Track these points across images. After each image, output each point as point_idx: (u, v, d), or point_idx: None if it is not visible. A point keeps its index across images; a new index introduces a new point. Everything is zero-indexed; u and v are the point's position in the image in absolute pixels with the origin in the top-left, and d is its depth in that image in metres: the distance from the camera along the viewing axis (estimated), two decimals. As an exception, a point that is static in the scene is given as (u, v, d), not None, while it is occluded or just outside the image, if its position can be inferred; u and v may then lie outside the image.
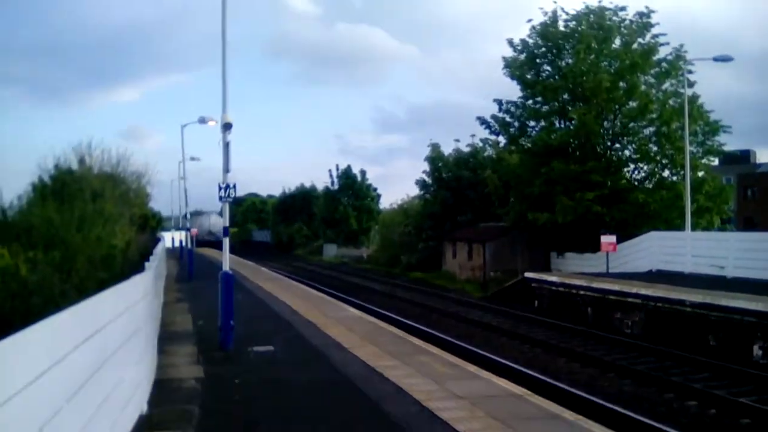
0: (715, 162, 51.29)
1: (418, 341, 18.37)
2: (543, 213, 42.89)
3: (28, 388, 4.16)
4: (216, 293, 17.79)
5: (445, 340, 23.44)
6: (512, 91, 48.84)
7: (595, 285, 30.07)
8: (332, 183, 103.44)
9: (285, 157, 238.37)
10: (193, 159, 59.23)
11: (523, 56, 47.77)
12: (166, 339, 18.17)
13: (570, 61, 45.76)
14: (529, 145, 48.11)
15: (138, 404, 10.25)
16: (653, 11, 44.81)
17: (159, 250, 32.64)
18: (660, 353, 21.96)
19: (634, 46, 44.77)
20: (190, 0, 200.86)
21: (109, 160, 41.13)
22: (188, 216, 56.29)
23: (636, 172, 46.84)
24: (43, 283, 19.26)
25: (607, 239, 34.99)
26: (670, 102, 43.96)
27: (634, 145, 45.96)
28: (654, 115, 43.63)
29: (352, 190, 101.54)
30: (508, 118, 49.16)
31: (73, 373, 5.52)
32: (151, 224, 62.39)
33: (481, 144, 58.83)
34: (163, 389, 12.68)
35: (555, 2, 48.23)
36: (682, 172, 40.09)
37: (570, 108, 45.56)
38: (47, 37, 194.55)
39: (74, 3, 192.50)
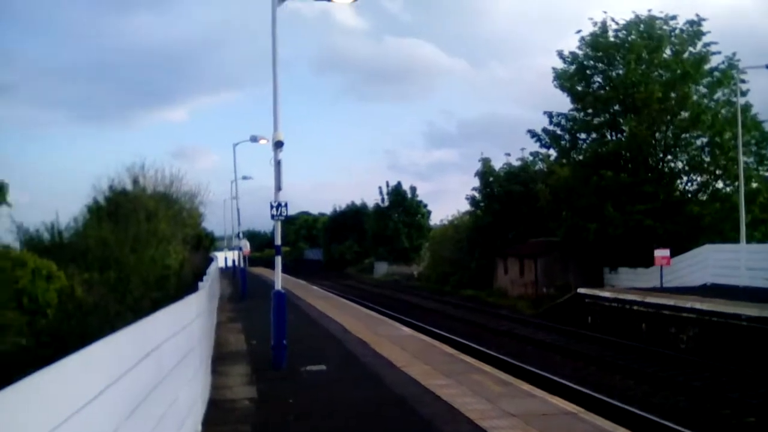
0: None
1: (471, 359, 18.29)
2: (593, 224, 42.51)
3: (86, 408, 4.21)
4: (268, 312, 17.89)
5: (497, 358, 23.30)
6: (562, 103, 48.70)
7: (648, 300, 29.69)
8: (382, 200, 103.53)
9: (335, 174, 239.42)
10: (245, 178, 59.91)
11: (573, 68, 47.61)
12: (220, 359, 18.31)
13: (620, 71, 45.49)
14: (580, 157, 47.83)
15: (192, 424, 10.31)
16: (704, 19, 44.45)
17: (212, 269, 32.89)
18: (716, 369, 21.60)
19: (685, 55, 44.37)
20: (238, 17, 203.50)
21: (163, 180, 41.72)
22: (241, 235, 56.68)
23: (689, 183, 46.29)
24: (99, 304, 19.54)
25: (661, 253, 34.59)
26: (723, 112, 43.44)
27: (686, 156, 45.45)
28: (706, 126, 43.10)
29: (402, 206, 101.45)
30: (558, 131, 49.00)
31: (129, 392, 5.58)
32: (204, 244, 63.03)
33: (531, 158, 58.58)
34: (217, 409, 12.77)
35: (605, 12, 48.11)
36: (736, 183, 39.53)
37: (621, 119, 45.26)
38: (94, 58, 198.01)
39: (119, 23, 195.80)
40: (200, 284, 14.69)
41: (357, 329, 24.74)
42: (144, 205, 35.66)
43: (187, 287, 22.00)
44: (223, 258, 76.22)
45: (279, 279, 18.03)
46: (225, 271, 66.82)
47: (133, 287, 23.85)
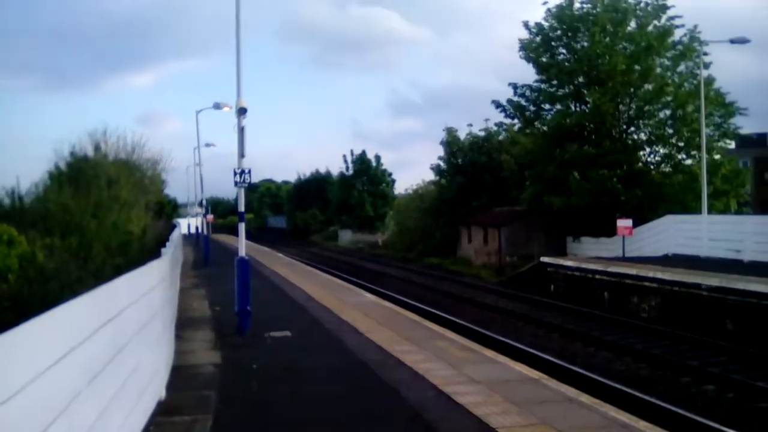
0: (732, 145, 50.97)
1: (435, 326, 18.37)
2: (559, 196, 42.76)
3: (46, 373, 4.16)
4: (232, 279, 17.85)
5: (461, 325, 23.43)
6: (528, 74, 48.86)
7: (611, 269, 29.97)
8: (347, 168, 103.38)
9: (300, 142, 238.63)
10: (208, 145, 59.60)
11: (538, 39, 47.57)
12: (184, 325, 18.24)
13: (585, 44, 45.54)
14: (545, 128, 47.97)
15: (156, 390, 10.28)
16: (669, -7, 44.53)
17: (175, 236, 32.73)
18: (676, 337, 21.88)
19: (650, 28, 44.49)
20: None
21: (125, 147, 41.40)
22: (204, 202, 56.40)
23: (652, 155, 46.63)
24: (60, 270, 19.36)
25: (623, 223, 34.89)
26: (686, 85, 43.76)
27: (649, 128, 45.77)
28: (669, 98, 43.40)
29: (366, 175, 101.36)
30: (523, 102, 49.02)
31: (91, 358, 5.53)
32: (167, 211, 62.66)
33: (496, 128, 58.70)
34: (181, 375, 12.72)
35: (571, -16, 47.73)
36: (698, 155, 39.91)
37: (585, 91, 45.40)
38: (60, 24, 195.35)
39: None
40: (163, 250, 14.59)
41: (321, 296, 24.75)
42: (106, 171, 35.34)
43: (150, 253, 21.86)
44: (186, 225, 75.88)
45: (243, 246, 17.98)
46: (189, 238, 66.58)
47: (94, 253, 23.66)
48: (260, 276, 32.15)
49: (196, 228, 67.95)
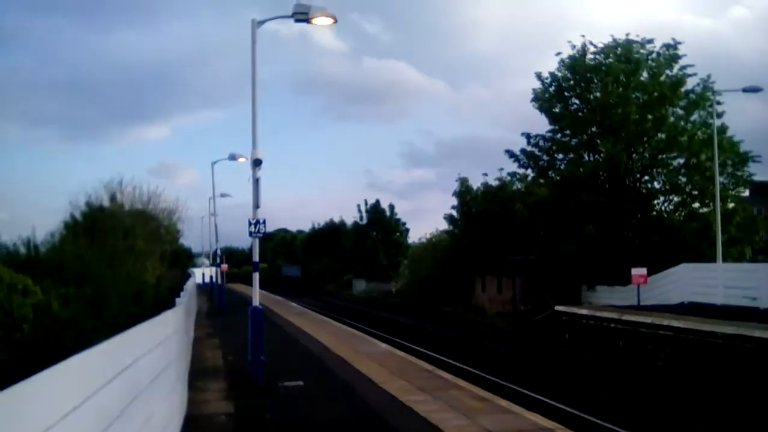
0: (746, 193, 50.89)
1: (449, 375, 18.31)
2: (572, 245, 42.69)
3: (62, 422, 4.20)
4: (246, 328, 17.86)
5: (475, 374, 23.31)
6: (540, 124, 49.06)
7: (626, 317, 29.81)
8: (361, 218, 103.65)
9: (314, 192, 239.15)
10: (223, 195, 59.50)
11: (551, 89, 47.89)
12: (197, 374, 18.24)
13: (598, 94, 45.79)
14: (558, 177, 48.06)
15: (169, 440, 10.27)
16: (680, 43, 44.95)
17: (189, 285, 32.77)
18: (688, 385, 21.71)
19: (662, 78, 44.75)
20: (217, 37, 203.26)
21: (141, 197, 41.67)
22: (218, 251, 56.53)
23: (666, 203, 46.61)
24: (75, 319, 19.43)
25: (638, 271, 34.77)
26: (699, 133, 43.84)
27: (663, 177, 45.81)
28: (683, 147, 43.48)
29: (381, 224, 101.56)
30: (536, 152, 49.24)
31: (105, 407, 5.56)
32: (182, 260, 62.80)
33: (509, 178, 58.76)
34: (194, 424, 12.72)
35: (583, 36, 48.31)
36: (712, 204, 39.87)
37: (598, 141, 45.56)
38: (74, 76, 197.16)
39: (100, 40, 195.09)
40: (177, 300, 14.65)
41: (335, 345, 24.70)
42: (121, 221, 35.57)
43: (164, 303, 21.93)
44: (201, 274, 75.95)
45: (257, 295, 18.02)
46: (203, 287, 66.58)
47: (110, 303, 23.74)
48: (274, 325, 32.12)
49: (211, 277, 67.98)
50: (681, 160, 44.80)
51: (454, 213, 64.10)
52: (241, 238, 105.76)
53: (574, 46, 47.28)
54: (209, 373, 19.11)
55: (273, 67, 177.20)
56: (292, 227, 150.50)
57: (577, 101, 47.79)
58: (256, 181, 17.59)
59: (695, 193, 44.68)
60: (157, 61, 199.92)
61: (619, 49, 45.87)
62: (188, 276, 48.25)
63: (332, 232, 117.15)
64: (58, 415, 4.21)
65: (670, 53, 45.05)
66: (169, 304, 14.89)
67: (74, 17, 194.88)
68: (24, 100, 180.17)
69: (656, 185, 46.47)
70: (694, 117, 45.10)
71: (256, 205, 17.62)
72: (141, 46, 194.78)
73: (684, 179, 44.97)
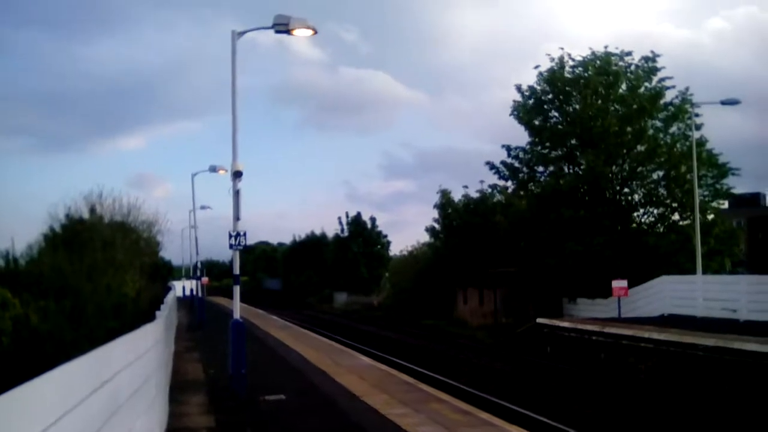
0: (725, 205, 51.22)
1: (430, 388, 18.29)
2: (552, 258, 42.81)
3: (39, 438, 4.15)
4: (226, 342, 17.78)
5: (456, 387, 23.29)
6: (520, 135, 49.13)
7: (607, 330, 29.92)
8: (342, 230, 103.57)
9: (294, 204, 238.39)
10: (203, 207, 59.27)
11: (530, 102, 48.10)
12: (178, 388, 18.12)
13: (577, 106, 46.03)
14: (538, 190, 48.22)
15: (149, 454, 10.18)
16: (658, 55, 45.33)
17: (169, 298, 32.61)
18: (669, 397, 21.77)
19: (641, 90, 45.09)
20: (194, 47, 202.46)
21: (120, 209, 41.43)
22: (199, 265, 56.29)
23: (646, 216, 46.90)
24: (54, 332, 19.29)
25: (619, 284, 34.89)
26: (678, 146, 44.13)
27: (643, 189, 46.06)
28: (662, 159, 43.77)
29: (362, 237, 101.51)
30: (516, 164, 49.37)
31: (85, 421, 5.51)
32: (162, 273, 62.51)
33: (490, 190, 58.83)
34: (174, 439, 12.63)
35: (561, 48, 48.50)
36: (691, 216, 40.08)
37: (578, 153, 45.80)
38: (51, 87, 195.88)
39: (76, 51, 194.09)
40: (157, 313, 14.57)
41: (316, 359, 24.64)
42: (101, 233, 35.37)
43: (144, 316, 21.80)
44: (181, 287, 75.61)
45: (237, 308, 17.94)
46: (183, 300, 66.27)
47: (89, 315, 23.58)
48: (255, 339, 32.00)
49: (191, 290, 67.64)
50: (661, 173, 45.07)
51: (435, 225, 64.12)
52: (221, 251, 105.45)
53: (552, 59, 47.55)
54: (190, 386, 19.00)
55: (251, 77, 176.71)
56: (273, 240, 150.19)
57: (556, 114, 48.05)
58: (237, 193, 17.55)
59: (675, 205, 44.97)
60: (134, 71, 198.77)
61: (598, 61, 46.15)
62: (168, 289, 48.02)
63: (313, 244, 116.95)
64: (38, 429, 4.16)
65: (649, 66, 45.38)
66: (149, 318, 14.80)
67: (51, 28, 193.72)
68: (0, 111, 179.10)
69: (636, 197, 46.73)
70: (673, 129, 45.44)
71: (237, 217, 17.57)
72: (117, 56, 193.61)
73: (664, 191, 45.27)
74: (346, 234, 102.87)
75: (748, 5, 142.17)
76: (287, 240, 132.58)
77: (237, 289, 18.23)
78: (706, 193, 43.74)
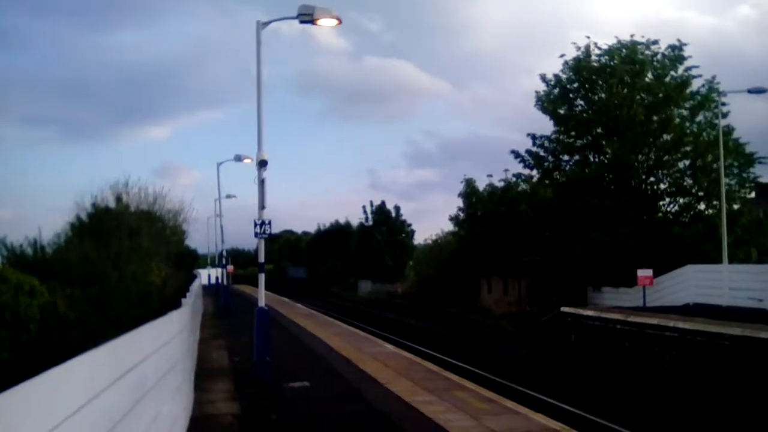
0: (752, 194, 50.78)
1: (454, 376, 18.31)
2: (577, 247, 42.66)
3: (68, 421, 4.20)
4: (251, 329, 17.87)
5: (481, 375, 23.31)
6: (545, 124, 48.88)
7: (632, 319, 29.80)
8: (366, 219, 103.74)
9: (319, 193, 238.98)
10: (228, 197, 59.56)
11: (556, 91, 47.84)
12: (203, 375, 18.25)
13: (603, 95, 45.74)
14: (563, 179, 48.02)
15: (175, 440, 10.28)
16: (685, 44, 44.87)
17: (195, 287, 32.79)
18: (694, 386, 21.69)
19: (667, 79, 44.72)
20: (220, 36, 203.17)
21: (146, 198, 41.65)
22: (224, 253, 56.56)
23: (671, 205, 46.58)
24: (81, 319, 19.46)
25: (644, 273, 34.71)
26: (705, 134, 43.76)
27: (669, 179, 45.74)
28: (688, 148, 43.45)
29: (386, 225, 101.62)
30: (541, 153, 49.13)
31: (111, 407, 5.57)
32: (188, 261, 62.84)
33: (514, 179, 58.61)
34: (200, 425, 12.73)
35: (588, 37, 48.21)
36: (718, 205, 39.77)
37: (603, 142, 45.52)
38: (75, 76, 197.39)
39: (100, 41, 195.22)
40: (183, 301, 14.67)
41: (340, 346, 24.71)
42: (127, 222, 35.60)
43: (170, 304, 21.95)
44: (207, 275, 76.04)
45: (262, 296, 18.03)
46: (209, 289, 66.65)
47: (115, 303, 23.76)
48: (279, 326, 32.15)
49: (217, 278, 68.04)
50: (687, 162, 44.72)
51: (460, 214, 64.13)
52: (246, 240, 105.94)
53: (578, 48, 47.27)
54: (215, 373, 19.13)
55: (275, 67, 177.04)
56: (298, 228, 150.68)
57: (581, 102, 47.75)
58: (262, 182, 17.60)
59: (701, 194, 44.61)
60: (158, 61, 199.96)
61: (624, 50, 45.81)
62: (194, 277, 48.29)
63: (338, 233, 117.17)
64: (66, 413, 4.21)
65: (675, 54, 45.00)
66: (175, 305, 14.91)
67: (74, 18, 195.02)
68: (25, 101, 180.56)
69: (662, 186, 46.42)
70: (700, 118, 45.02)
71: (262, 206, 17.62)
72: (141, 46, 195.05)
73: (690, 180, 44.92)
74: (370, 223, 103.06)
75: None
76: (312, 229, 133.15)
77: (262, 277, 18.31)
78: (732, 182, 43.34)
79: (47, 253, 28.80)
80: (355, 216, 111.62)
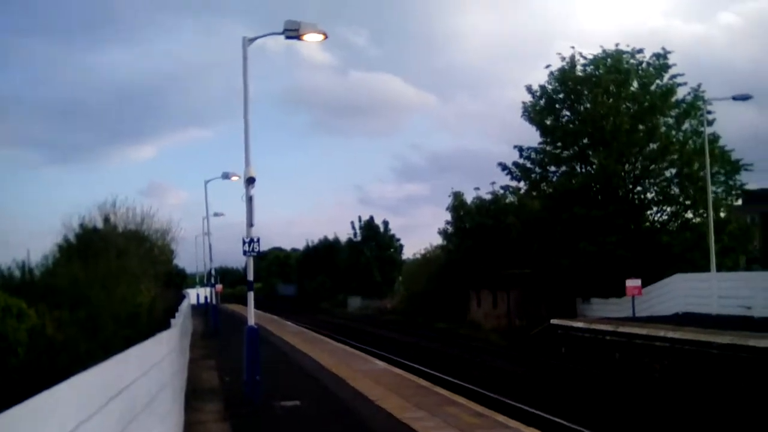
0: (739, 201, 50.99)
1: (445, 392, 18.27)
2: (566, 259, 42.74)
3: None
4: (241, 348, 17.81)
5: (472, 390, 23.25)
6: (532, 135, 49.05)
7: (621, 330, 29.84)
8: (355, 235, 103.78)
9: (307, 209, 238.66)
10: (216, 215, 59.39)
11: (541, 102, 48.02)
12: (193, 395, 18.16)
13: (589, 105, 45.92)
14: (551, 190, 48.14)
15: (166, 462, 10.21)
16: (670, 52, 45.14)
17: (184, 306, 32.71)
18: (685, 396, 21.69)
19: (653, 87, 44.96)
20: (206, 54, 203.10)
21: (134, 218, 41.64)
22: (213, 272, 56.41)
23: (659, 214, 46.73)
24: (70, 342, 19.37)
25: (632, 283, 34.76)
26: (691, 142, 43.97)
27: (656, 188, 45.95)
28: (675, 157, 43.64)
29: (375, 241, 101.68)
30: (528, 164, 49.26)
31: (102, 430, 5.53)
32: (176, 281, 62.69)
33: (502, 191, 58.68)
34: (190, 446, 12.66)
35: (572, 47, 48.38)
36: (705, 213, 39.91)
37: (590, 152, 45.68)
38: (62, 97, 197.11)
39: (86, 60, 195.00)
40: (172, 321, 14.61)
41: (331, 364, 24.65)
42: (115, 242, 35.52)
43: (159, 324, 21.87)
44: (195, 295, 75.78)
45: (252, 314, 17.98)
46: (198, 308, 66.41)
47: (104, 325, 23.67)
48: (269, 345, 32.05)
49: (206, 298, 67.82)
50: (673, 170, 44.93)
51: (448, 228, 64.13)
52: (235, 258, 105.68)
53: (563, 58, 47.49)
54: (205, 394, 19.04)
55: (261, 82, 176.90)
56: (286, 245, 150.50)
57: (567, 113, 47.94)
58: (250, 199, 17.57)
59: (688, 203, 44.78)
60: (143, 80, 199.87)
61: (609, 59, 46.02)
62: (183, 297, 48.13)
63: (326, 249, 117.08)
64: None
65: (660, 63, 45.25)
66: (164, 326, 14.85)
67: (59, 38, 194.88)
68: (11, 122, 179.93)
69: (649, 195, 46.62)
70: (686, 126, 45.28)
71: (250, 224, 17.58)
72: (127, 65, 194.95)
73: (677, 189, 45.12)
74: (359, 238, 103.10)
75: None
76: (300, 245, 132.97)
77: (251, 296, 18.27)
78: (719, 189, 43.53)
79: (35, 276, 28.74)
80: (343, 232, 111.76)
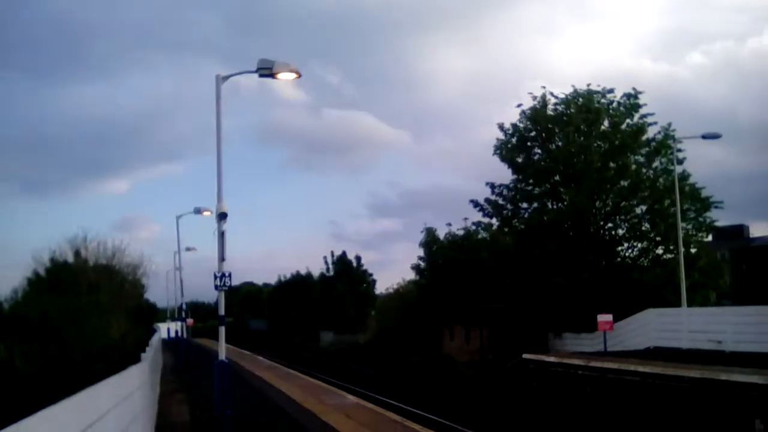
0: (709, 238, 51.48)
1: (419, 427, 18.25)
2: (537, 294, 42.88)
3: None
4: (213, 383, 17.72)
5: (445, 424, 23.25)
6: (504, 173, 49.30)
7: (593, 364, 29.93)
8: (328, 269, 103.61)
9: (280, 244, 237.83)
10: (188, 249, 59.09)
11: (513, 140, 48.34)
12: (164, 430, 18.03)
13: (560, 143, 46.32)
14: (522, 226, 48.36)
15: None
16: (641, 92, 45.66)
17: (154, 341, 32.54)
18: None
19: (623, 126, 45.41)
20: (177, 90, 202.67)
21: (105, 253, 41.47)
22: (184, 306, 56.05)
23: (630, 250, 47.02)
24: (39, 375, 19.22)
25: (604, 318, 34.97)
26: (661, 180, 44.38)
27: (627, 224, 46.27)
28: (645, 194, 44.02)
29: (348, 276, 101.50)
30: (500, 201, 49.47)
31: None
32: (147, 315, 62.24)
33: (474, 227, 58.89)
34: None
35: (543, 87, 48.86)
36: (675, 249, 40.21)
37: (561, 189, 45.95)
38: (32, 132, 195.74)
39: (58, 96, 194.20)
40: (143, 355, 14.56)
41: (302, 398, 24.56)
42: (86, 276, 35.36)
43: (130, 358, 21.74)
44: (166, 329, 75.20)
45: (223, 349, 17.89)
46: (168, 342, 65.93)
47: (74, 358, 23.49)
48: (241, 380, 31.89)
49: (176, 332, 67.29)
50: (644, 207, 45.28)
51: (421, 263, 64.23)
52: (206, 292, 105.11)
53: (535, 97, 47.93)
54: (176, 428, 18.91)
55: (234, 119, 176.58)
56: (258, 280, 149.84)
57: (539, 151, 48.27)
58: (222, 235, 17.55)
59: (659, 239, 45.09)
60: (116, 115, 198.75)
61: (580, 99, 46.47)
62: (153, 331, 47.82)
63: (299, 284, 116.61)
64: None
65: (631, 102, 45.76)
66: (135, 360, 14.78)
67: (32, 73, 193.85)
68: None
69: (620, 232, 46.94)
70: (656, 164, 45.69)
71: (222, 258, 17.54)
72: (100, 101, 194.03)
73: (647, 226, 45.44)
74: (331, 273, 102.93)
75: (724, 40, 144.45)
76: (273, 280, 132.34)
77: (222, 330, 18.19)
78: (689, 226, 43.91)
79: (4, 309, 28.53)
80: (316, 267, 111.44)
